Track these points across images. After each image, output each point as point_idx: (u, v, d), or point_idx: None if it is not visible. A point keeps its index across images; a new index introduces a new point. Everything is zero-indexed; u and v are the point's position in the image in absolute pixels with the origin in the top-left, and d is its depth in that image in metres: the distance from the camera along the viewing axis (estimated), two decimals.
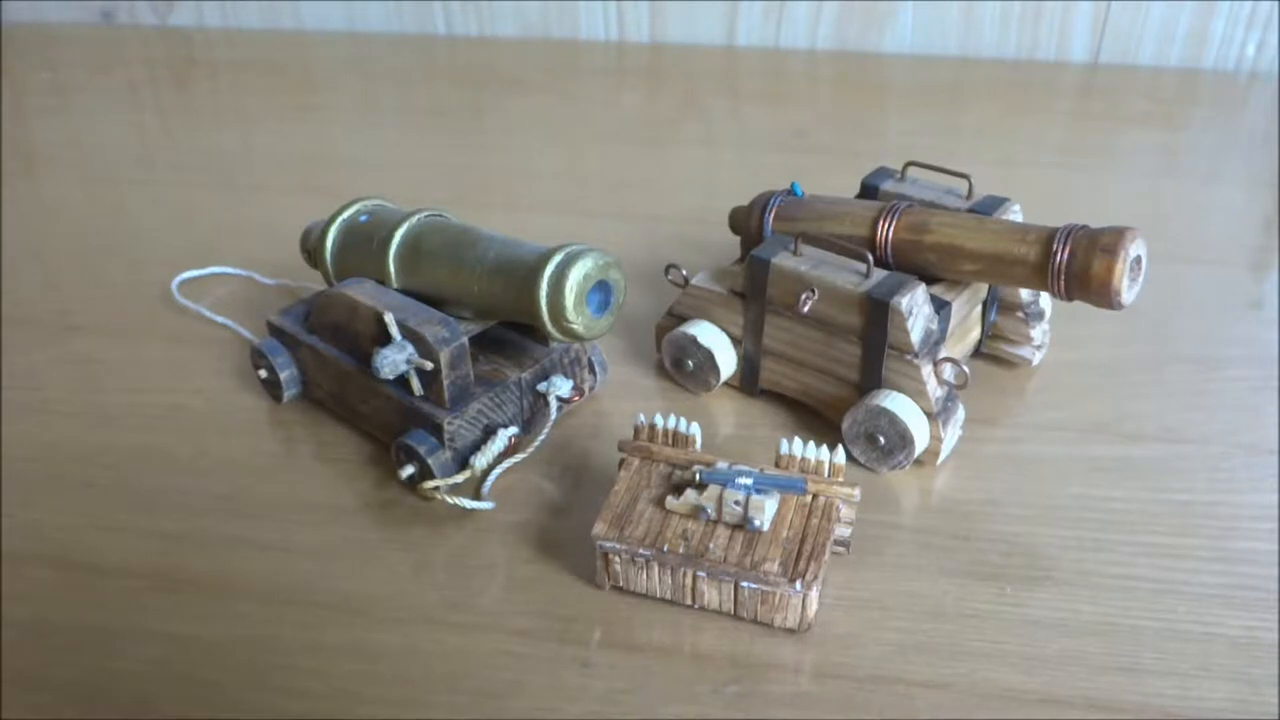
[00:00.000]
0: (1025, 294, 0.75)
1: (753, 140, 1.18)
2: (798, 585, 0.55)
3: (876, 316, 0.65)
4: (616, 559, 0.58)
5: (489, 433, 0.68)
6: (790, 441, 0.61)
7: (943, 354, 0.67)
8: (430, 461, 0.65)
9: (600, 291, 0.65)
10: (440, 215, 0.73)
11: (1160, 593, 0.60)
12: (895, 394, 0.66)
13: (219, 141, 1.20)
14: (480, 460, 0.66)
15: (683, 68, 1.37)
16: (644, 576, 0.58)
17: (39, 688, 0.56)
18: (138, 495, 0.68)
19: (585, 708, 0.54)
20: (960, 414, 0.68)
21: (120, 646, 0.58)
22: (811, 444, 0.61)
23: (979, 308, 0.75)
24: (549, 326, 0.64)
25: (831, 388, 0.70)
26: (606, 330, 0.66)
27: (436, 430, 0.65)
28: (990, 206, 0.73)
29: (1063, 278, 0.63)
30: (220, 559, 0.63)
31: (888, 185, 0.77)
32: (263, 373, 0.75)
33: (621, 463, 0.62)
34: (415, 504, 0.67)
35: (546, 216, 1.01)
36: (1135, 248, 0.62)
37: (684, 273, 0.75)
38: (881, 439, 0.67)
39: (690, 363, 0.75)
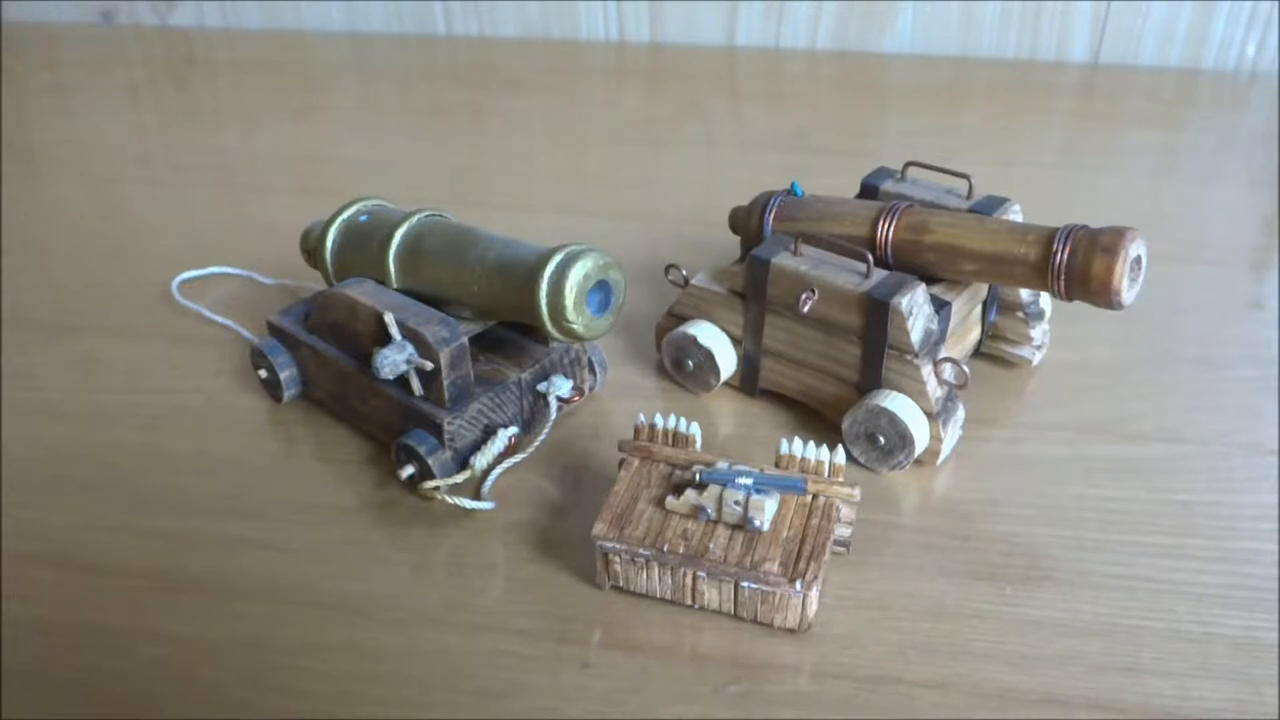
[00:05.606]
0: (1025, 294, 0.75)
1: (753, 140, 1.18)
2: (798, 585, 0.55)
3: (876, 316, 0.65)
4: (616, 559, 0.58)
5: (489, 433, 0.68)
6: (790, 441, 0.61)
7: (943, 354, 0.67)
8: (430, 461, 0.65)
9: (600, 291, 0.65)
10: (440, 215, 0.73)
11: (1160, 593, 0.60)
12: (895, 394, 0.66)
13: (219, 141, 1.20)
14: (480, 460, 0.66)
15: (683, 68, 1.37)
16: (644, 576, 0.58)
17: (39, 688, 0.56)
18: (138, 495, 0.68)
19: (585, 708, 0.54)
20: (960, 414, 0.68)
21: (120, 646, 0.58)
22: (811, 444, 0.61)
23: (979, 308, 0.75)
24: (549, 326, 0.64)
25: (831, 388, 0.70)
26: (606, 330, 0.66)
27: (436, 430, 0.65)
28: (990, 206, 0.73)
29: (1063, 278, 0.63)
30: (220, 559, 0.63)
31: (888, 185, 0.77)
32: (263, 373, 0.75)
33: (621, 463, 0.62)
34: (415, 504, 0.67)
35: (546, 216, 1.01)
36: (1135, 248, 0.62)
37: (684, 273, 0.75)
38: (881, 439, 0.67)
39: (690, 363, 0.75)
